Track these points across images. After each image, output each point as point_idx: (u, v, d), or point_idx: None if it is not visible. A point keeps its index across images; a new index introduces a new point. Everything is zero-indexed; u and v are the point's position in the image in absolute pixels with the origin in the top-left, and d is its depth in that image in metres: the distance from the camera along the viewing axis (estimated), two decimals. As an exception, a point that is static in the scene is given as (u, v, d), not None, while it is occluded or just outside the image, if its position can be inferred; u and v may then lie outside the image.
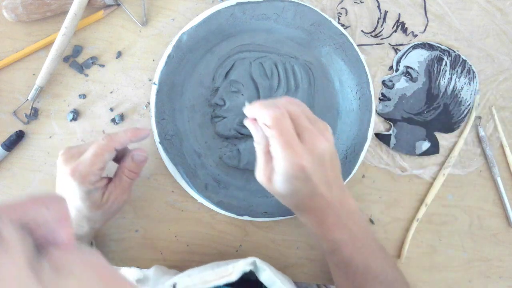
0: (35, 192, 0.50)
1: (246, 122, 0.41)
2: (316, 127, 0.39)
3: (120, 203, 0.44)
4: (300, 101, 0.41)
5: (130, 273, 0.44)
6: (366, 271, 0.42)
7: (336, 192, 0.40)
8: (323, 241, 0.42)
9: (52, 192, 0.48)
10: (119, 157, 0.45)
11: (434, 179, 0.54)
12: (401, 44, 0.54)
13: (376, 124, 0.54)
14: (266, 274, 0.42)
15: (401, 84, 0.53)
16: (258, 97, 0.50)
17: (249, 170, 0.51)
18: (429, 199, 0.53)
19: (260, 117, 0.38)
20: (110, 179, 0.44)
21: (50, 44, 0.50)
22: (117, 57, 0.51)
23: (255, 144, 0.40)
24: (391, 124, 0.53)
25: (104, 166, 0.41)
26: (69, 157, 0.41)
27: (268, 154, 0.38)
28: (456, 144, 0.54)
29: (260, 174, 0.40)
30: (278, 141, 0.36)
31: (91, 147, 0.41)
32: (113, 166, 0.46)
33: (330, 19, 0.50)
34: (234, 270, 0.41)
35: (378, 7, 0.54)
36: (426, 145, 0.53)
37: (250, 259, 0.42)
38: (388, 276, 0.43)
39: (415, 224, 0.53)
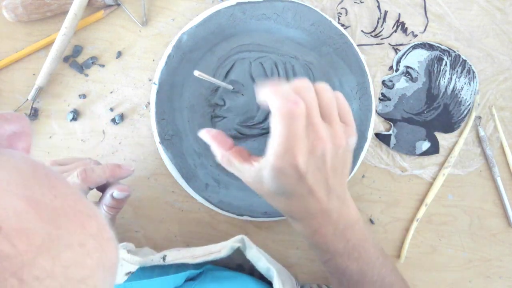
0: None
1: (203, 136, 0.37)
2: (332, 128, 0.34)
3: None
4: (329, 88, 0.35)
5: (124, 245, 0.43)
6: (361, 278, 0.40)
7: (335, 201, 0.37)
8: (317, 249, 0.40)
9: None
10: (103, 186, 0.42)
11: (434, 179, 0.54)
12: (401, 44, 0.54)
13: (376, 124, 0.54)
14: (252, 251, 0.41)
15: (401, 84, 0.53)
16: (258, 97, 0.50)
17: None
18: (429, 199, 0.53)
19: (270, 105, 0.32)
20: None
21: (50, 44, 0.50)
22: (117, 57, 0.51)
23: (216, 154, 0.37)
24: (391, 124, 0.53)
25: None
26: None
27: (244, 161, 0.36)
28: (456, 144, 0.54)
29: (245, 177, 0.37)
30: (279, 138, 0.32)
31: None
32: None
33: (330, 19, 0.50)
34: (224, 247, 0.41)
35: (378, 7, 0.54)
36: (426, 145, 0.53)
37: (238, 237, 0.42)
38: (385, 280, 0.41)
39: (415, 224, 0.53)
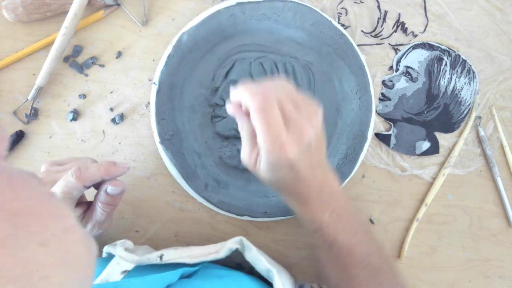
0: None
1: (229, 109, 0.39)
2: (305, 113, 0.37)
3: (102, 229, 0.42)
4: (286, 82, 0.39)
5: (122, 243, 0.42)
6: (348, 254, 0.41)
7: (319, 175, 0.40)
8: (306, 221, 0.42)
9: None
10: (100, 184, 0.42)
11: (434, 179, 0.54)
12: (401, 44, 0.54)
13: (376, 124, 0.54)
14: (252, 252, 0.41)
15: (401, 84, 0.53)
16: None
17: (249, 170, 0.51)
18: (429, 199, 0.53)
19: (245, 104, 0.36)
20: (89, 204, 0.42)
21: (50, 44, 0.50)
22: (117, 57, 0.51)
23: (240, 129, 0.39)
24: (391, 124, 0.53)
25: (74, 202, 0.39)
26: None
27: (253, 139, 0.37)
28: (456, 144, 0.54)
29: (245, 158, 0.39)
30: (264, 135, 0.35)
31: (60, 180, 0.38)
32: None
33: (330, 19, 0.50)
34: (222, 248, 0.41)
35: (378, 7, 0.54)
36: (426, 145, 0.53)
37: (237, 238, 0.42)
38: (372, 261, 0.41)
39: (415, 224, 0.53)
